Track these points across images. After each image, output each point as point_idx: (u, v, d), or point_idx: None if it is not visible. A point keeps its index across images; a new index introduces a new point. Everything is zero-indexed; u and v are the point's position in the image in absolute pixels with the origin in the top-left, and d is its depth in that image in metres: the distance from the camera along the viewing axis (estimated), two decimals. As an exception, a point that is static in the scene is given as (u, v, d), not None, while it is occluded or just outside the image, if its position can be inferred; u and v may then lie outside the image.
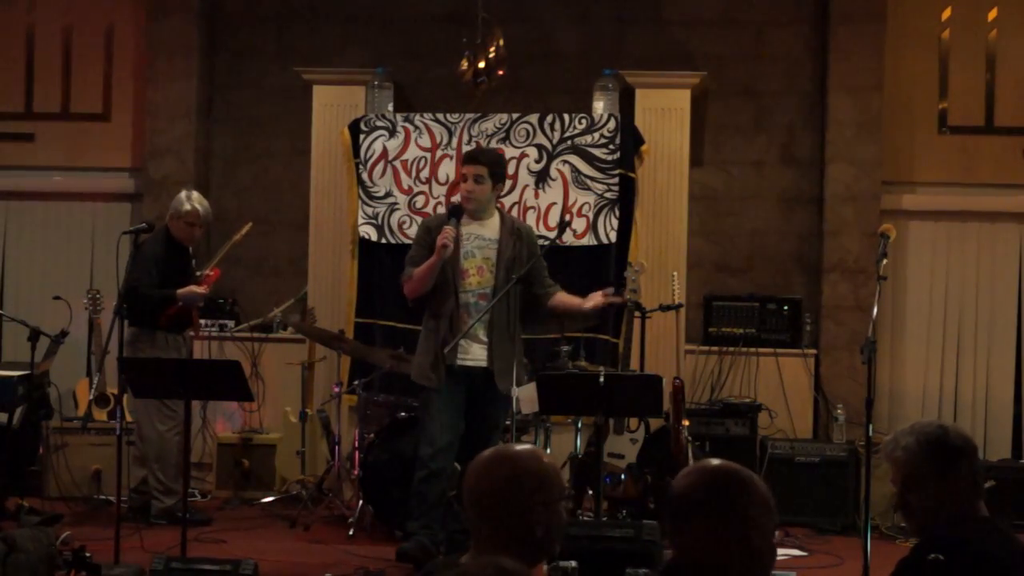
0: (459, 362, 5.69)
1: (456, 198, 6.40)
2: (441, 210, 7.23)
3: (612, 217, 7.31)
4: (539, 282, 5.83)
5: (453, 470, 5.82)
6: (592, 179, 7.33)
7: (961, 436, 3.04)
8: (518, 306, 5.77)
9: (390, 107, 7.68)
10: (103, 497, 7.00)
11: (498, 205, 6.03)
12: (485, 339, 5.71)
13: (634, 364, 6.61)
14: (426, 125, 7.48)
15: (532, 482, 2.56)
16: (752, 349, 7.53)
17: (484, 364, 5.71)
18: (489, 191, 5.78)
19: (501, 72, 7.08)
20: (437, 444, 5.69)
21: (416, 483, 5.73)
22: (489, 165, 5.79)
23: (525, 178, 7.39)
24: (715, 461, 2.48)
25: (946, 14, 7.93)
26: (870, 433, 5.08)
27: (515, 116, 7.44)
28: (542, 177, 7.39)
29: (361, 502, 6.39)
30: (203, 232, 6.88)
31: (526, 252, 5.80)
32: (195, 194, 6.75)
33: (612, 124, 7.34)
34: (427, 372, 5.74)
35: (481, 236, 5.80)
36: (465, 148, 7.37)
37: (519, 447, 2.71)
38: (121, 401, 6.15)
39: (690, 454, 6.31)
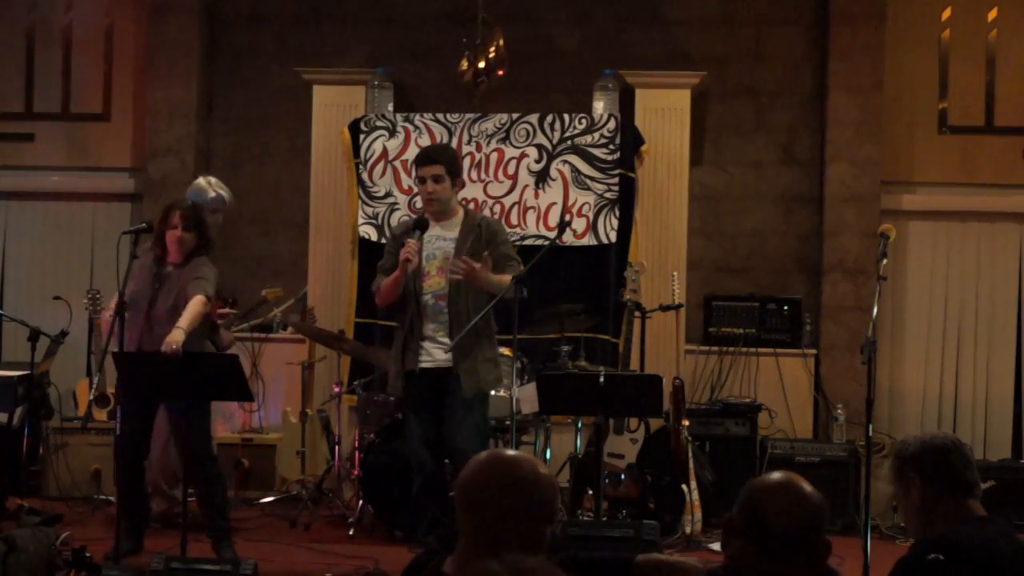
0: (421, 366, 5.53)
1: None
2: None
3: (612, 217, 7.30)
4: (499, 267, 5.57)
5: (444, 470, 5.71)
6: (592, 179, 7.33)
7: (915, 445, 3.10)
8: (479, 302, 5.50)
9: (390, 107, 7.68)
10: (103, 497, 7.00)
11: (463, 203, 5.91)
12: (444, 340, 5.52)
13: (634, 364, 6.61)
14: (426, 125, 7.47)
15: (520, 491, 2.43)
16: (752, 349, 7.52)
17: (445, 365, 5.52)
18: (449, 189, 5.62)
19: (501, 72, 7.08)
20: (420, 453, 5.59)
21: (416, 491, 5.65)
22: (446, 163, 5.64)
23: (525, 178, 7.40)
24: None
25: (946, 14, 7.93)
26: (870, 433, 5.07)
27: (515, 116, 7.43)
28: (542, 177, 7.38)
29: (361, 502, 6.39)
30: None
31: (484, 246, 5.57)
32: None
33: (612, 124, 7.34)
34: (393, 381, 5.66)
35: (443, 237, 5.62)
36: (465, 148, 7.39)
37: (522, 454, 2.59)
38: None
39: (690, 454, 6.32)
